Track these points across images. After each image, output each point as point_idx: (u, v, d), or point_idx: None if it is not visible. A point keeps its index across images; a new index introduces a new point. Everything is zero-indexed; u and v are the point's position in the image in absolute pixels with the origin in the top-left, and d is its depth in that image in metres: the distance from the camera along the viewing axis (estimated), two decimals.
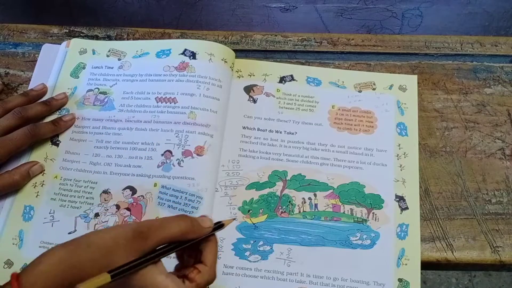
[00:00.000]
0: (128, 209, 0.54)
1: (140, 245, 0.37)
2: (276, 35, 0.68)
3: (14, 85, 0.64)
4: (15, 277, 0.35)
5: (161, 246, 0.39)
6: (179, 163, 0.56)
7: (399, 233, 0.54)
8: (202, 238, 0.41)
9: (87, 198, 0.55)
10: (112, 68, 0.63)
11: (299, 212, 0.55)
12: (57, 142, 0.59)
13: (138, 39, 0.68)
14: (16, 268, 0.52)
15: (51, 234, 0.53)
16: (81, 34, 0.68)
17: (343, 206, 0.56)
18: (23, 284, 0.34)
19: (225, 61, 0.62)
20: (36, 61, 0.65)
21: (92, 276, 0.34)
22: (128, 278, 0.36)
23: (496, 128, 0.61)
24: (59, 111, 0.61)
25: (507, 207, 0.56)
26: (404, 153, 0.59)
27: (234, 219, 0.52)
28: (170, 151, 0.57)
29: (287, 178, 0.57)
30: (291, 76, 0.64)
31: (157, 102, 0.60)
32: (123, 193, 0.55)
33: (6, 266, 0.52)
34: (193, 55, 0.62)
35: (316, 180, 0.57)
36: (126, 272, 0.36)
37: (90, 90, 0.62)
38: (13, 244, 0.53)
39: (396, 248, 0.53)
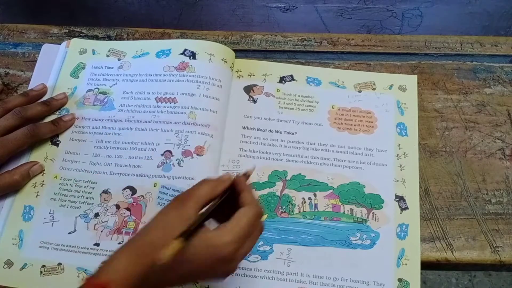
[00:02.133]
0: (128, 209, 0.54)
1: (183, 210, 0.42)
2: (276, 35, 0.68)
3: (14, 85, 0.64)
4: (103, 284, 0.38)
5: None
6: (179, 163, 0.56)
7: (399, 233, 0.54)
8: (233, 195, 0.44)
9: (87, 198, 0.55)
10: (112, 68, 0.63)
11: (299, 212, 0.55)
12: (57, 142, 0.59)
13: (138, 39, 0.68)
14: (16, 268, 0.52)
15: (51, 234, 0.54)
16: (81, 34, 0.68)
17: (343, 206, 0.56)
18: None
19: (225, 61, 0.62)
20: (36, 61, 0.65)
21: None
22: (189, 247, 0.40)
23: (496, 128, 0.61)
24: (59, 111, 0.61)
25: (507, 207, 0.56)
26: (404, 153, 0.59)
27: (254, 167, 0.50)
28: (170, 151, 0.57)
29: (287, 178, 0.57)
30: (291, 76, 0.64)
31: (157, 102, 0.60)
32: (123, 193, 0.55)
33: (6, 266, 0.52)
34: (193, 55, 0.62)
35: (316, 180, 0.57)
36: (192, 231, 0.40)
37: (90, 90, 0.62)
38: (13, 244, 0.53)
39: (396, 248, 0.53)
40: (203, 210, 0.43)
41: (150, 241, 0.41)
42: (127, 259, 0.40)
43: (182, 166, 0.56)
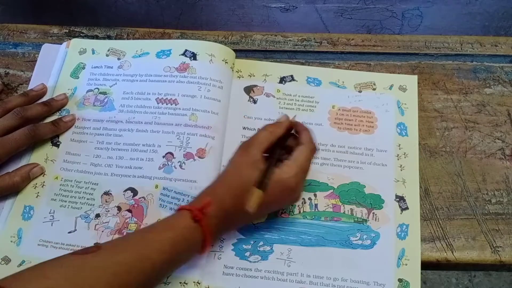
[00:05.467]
0: (129, 210, 0.54)
1: (249, 156, 0.49)
2: (276, 35, 0.68)
3: (14, 85, 0.64)
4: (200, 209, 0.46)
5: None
6: (180, 166, 0.56)
7: (399, 233, 0.54)
8: (292, 134, 0.53)
9: (88, 199, 0.55)
10: (111, 67, 0.63)
11: (299, 212, 0.55)
12: (58, 143, 0.59)
13: (138, 39, 0.68)
14: (14, 265, 0.52)
15: (51, 233, 0.54)
16: (81, 34, 0.68)
17: (343, 206, 0.56)
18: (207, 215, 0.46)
19: (225, 62, 0.62)
20: (36, 61, 0.65)
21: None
22: (268, 186, 0.48)
23: (496, 128, 0.61)
24: (59, 111, 0.61)
25: (507, 207, 0.56)
26: (404, 153, 0.59)
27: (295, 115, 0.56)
28: (171, 153, 0.57)
29: None
30: (291, 76, 0.64)
31: (158, 103, 0.60)
32: (124, 195, 0.55)
33: (3, 262, 0.52)
34: (193, 56, 0.62)
35: (316, 180, 0.57)
36: (265, 179, 0.48)
37: (90, 90, 0.62)
38: (11, 241, 0.53)
39: (396, 248, 0.53)
40: (273, 155, 0.51)
41: (235, 186, 0.48)
42: (221, 191, 0.48)
43: (183, 169, 0.56)
